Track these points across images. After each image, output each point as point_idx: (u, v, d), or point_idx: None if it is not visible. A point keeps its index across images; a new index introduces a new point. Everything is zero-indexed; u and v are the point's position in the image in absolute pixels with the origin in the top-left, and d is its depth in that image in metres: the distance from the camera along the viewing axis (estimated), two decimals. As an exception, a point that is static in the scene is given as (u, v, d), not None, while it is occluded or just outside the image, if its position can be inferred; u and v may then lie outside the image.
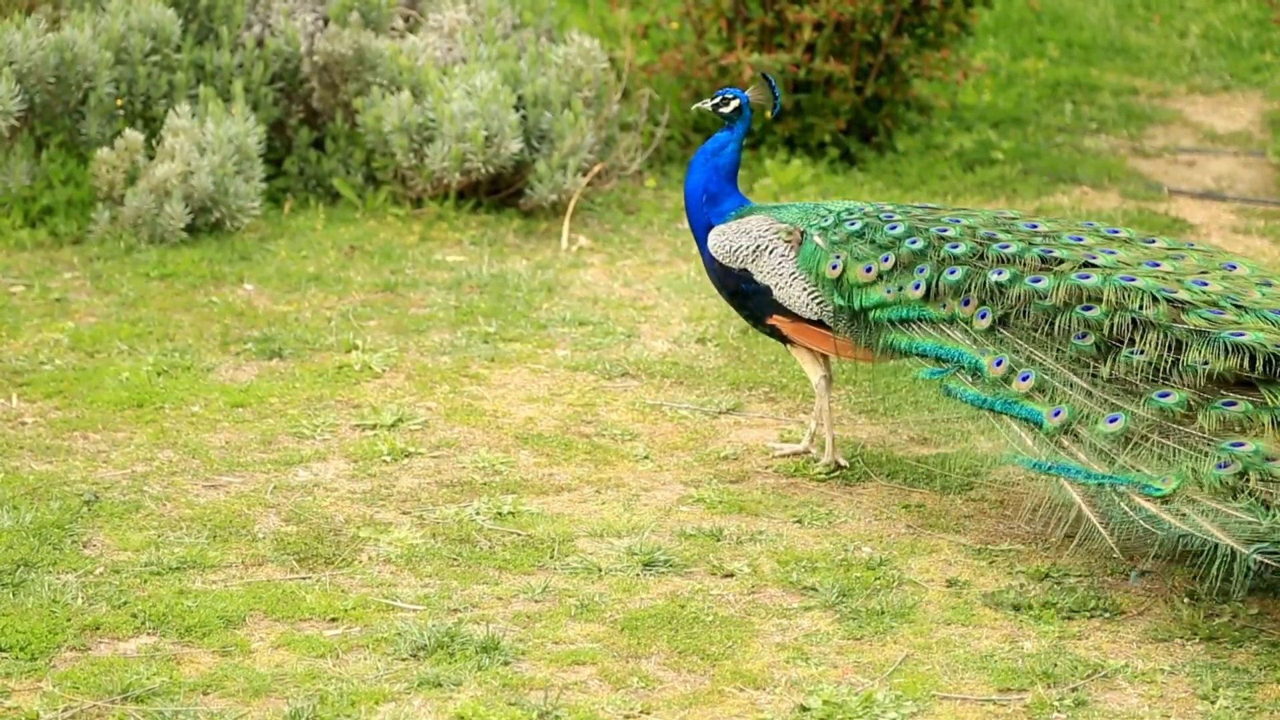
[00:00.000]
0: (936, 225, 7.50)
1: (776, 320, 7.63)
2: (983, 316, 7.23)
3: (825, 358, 7.77)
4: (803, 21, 11.43)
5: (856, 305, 7.44)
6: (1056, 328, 7.08)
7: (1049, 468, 6.90)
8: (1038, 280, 7.17)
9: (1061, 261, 7.21)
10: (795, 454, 7.82)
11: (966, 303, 7.27)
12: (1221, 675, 6.21)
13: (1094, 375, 6.99)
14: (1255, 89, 13.73)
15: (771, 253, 7.59)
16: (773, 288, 7.58)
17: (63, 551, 6.88)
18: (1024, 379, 7.08)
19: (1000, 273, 7.24)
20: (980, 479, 7.66)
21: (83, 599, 6.54)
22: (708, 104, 7.82)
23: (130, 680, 6.05)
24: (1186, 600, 6.71)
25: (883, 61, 11.72)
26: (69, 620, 6.40)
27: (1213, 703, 6.06)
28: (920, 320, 7.34)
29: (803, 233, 7.59)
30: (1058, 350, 7.08)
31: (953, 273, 7.33)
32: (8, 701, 5.94)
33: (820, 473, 7.68)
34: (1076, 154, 12.20)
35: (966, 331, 7.27)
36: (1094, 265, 7.19)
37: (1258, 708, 6.03)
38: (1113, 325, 6.99)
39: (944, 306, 7.31)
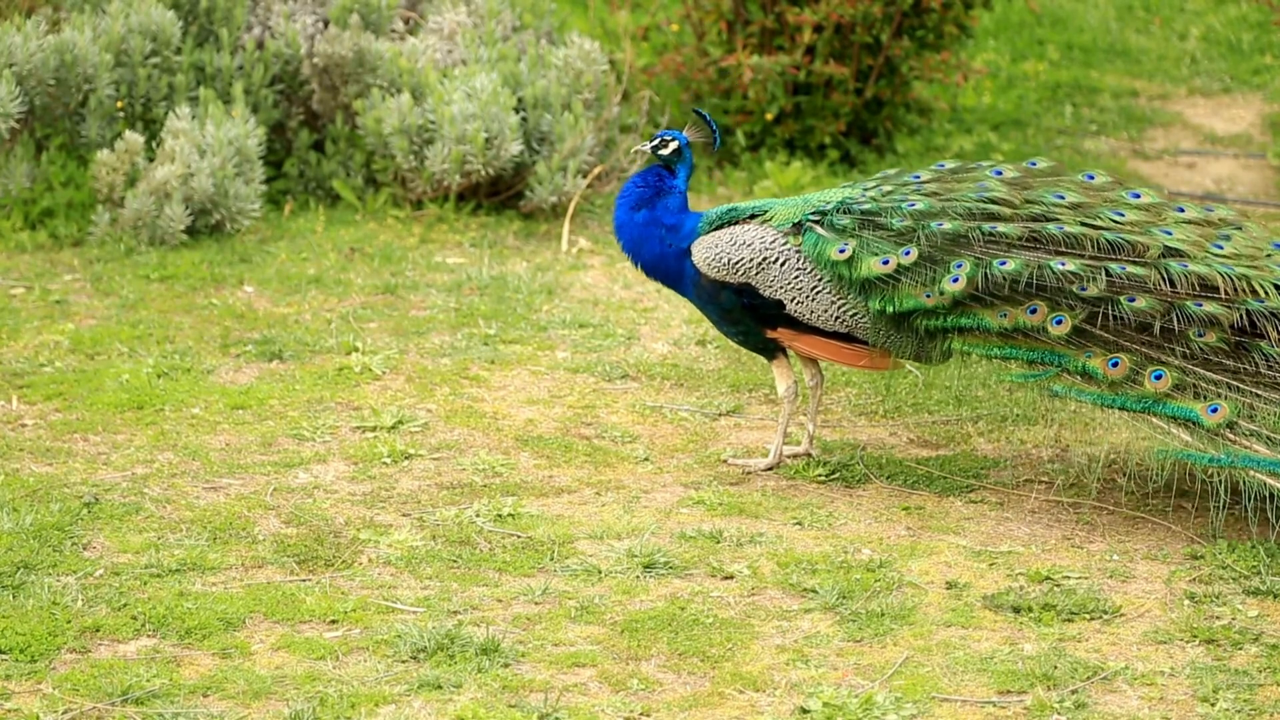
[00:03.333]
0: (961, 201, 7.27)
1: (781, 333, 7.54)
2: (1058, 323, 7.04)
3: (815, 362, 7.73)
4: (803, 24, 11.43)
5: (890, 310, 7.29)
6: (1170, 326, 6.94)
7: (1229, 462, 6.79)
8: (1123, 267, 7.00)
9: (1146, 249, 7.03)
10: (796, 456, 7.81)
11: (1034, 311, 7.07)
12: (1221, 677, 6.20)
13: (1236, 371, 6.87)
14: (1255, 91, 13.73)
15: (783, 264, 7.43)
16: (787, 301, 7.46)
17: (63, 554, 6.88)
18: (1156, 378, 6.92)
19: (1064, 263, 7.05)
20: (980, 481, 7.66)
21: (83, 601, 6.54)
22: (647, 147, 7.67)
23: (130, 682, 6.05)
24: (1186, 602, 6.71)
25: (883, 64, 11.73)
26: (69, 622, 6.40)
27: (1213, 705, 6.06)
28: (980, 330, 7.20)
29: (799, 225, 7.49)
30: (1180, 350, 6.93)
31: (1004, 264, 7.12)
32: (8, 704, 5.94)
33: (821, 475, 7.68)
34: (1077, 156, 12.20)
35: (1047, 335, 7.10)
36: (1179, 253, 7.01)
37: (1258, 710, 6.03)
38: (1238, 319, 6.87)
39: (1004, 316, 7.12)
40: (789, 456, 7.79)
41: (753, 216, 7.60)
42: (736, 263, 7.46)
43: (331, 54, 10.76)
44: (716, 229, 7.58)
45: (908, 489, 7.61)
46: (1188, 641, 6.45)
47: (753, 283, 7.44)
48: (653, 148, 7.66)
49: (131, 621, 6.43)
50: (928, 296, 7.23)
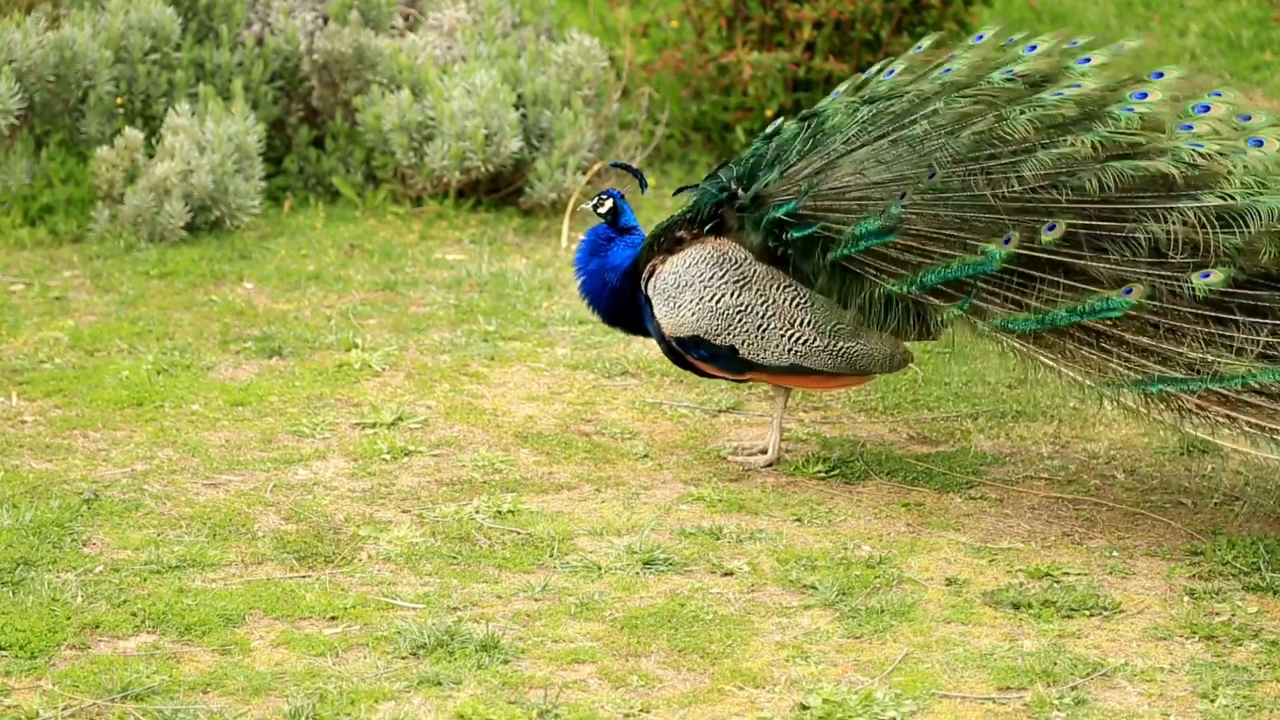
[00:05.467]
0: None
1: (751, 376, 7.54)
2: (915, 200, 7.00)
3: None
4: (802, 20, 11.43)
5: (800, 236, 7.17)
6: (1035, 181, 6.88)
7: (1156, 383, 6.74)
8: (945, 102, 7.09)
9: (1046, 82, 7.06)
10: (749, 452, 7.80)
11: (902, 195, 7.00)
12: (1221, 674, 6.21)
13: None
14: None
15: (718, 300, 7.41)
16: (738, 346, 7.42)
17: (62, 550, 6.88)
18: (1050, 229, 6.82)
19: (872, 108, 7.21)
20: (980, 478, 7.67)
21: (82, 597, 6.54)
22: (588, 205, 7.81)
23: (130, 679, 6.05)
24: (1186, 599, 6.71)
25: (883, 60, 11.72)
26: (69, 619, 6.40)
27: (1212, 701, 6.06)
28: (889, 250, 7.07)
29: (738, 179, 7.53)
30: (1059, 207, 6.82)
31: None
32: (7, 700, 5.95)
33: (820, 471, 7.68)
34: (1076, 153, 12.19)
35: (950, 241, 6.98)
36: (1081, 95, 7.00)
37: (1257, 706, 6.03)
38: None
39: (882, 214, 7.01)
40: (747, 447, 7.75)
41: (705, 219, 7.54)
42: (679, 306, 7.42)
43: (331, 50, 10.76)
44: (662, 253, 7.54)
45: (907, 485, 7.61)
46: (1187, 638, 6.46)
47: (700, 334, 7.43)
48: (593, 207, 7.78)
49: (131, 618, 6.43)
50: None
